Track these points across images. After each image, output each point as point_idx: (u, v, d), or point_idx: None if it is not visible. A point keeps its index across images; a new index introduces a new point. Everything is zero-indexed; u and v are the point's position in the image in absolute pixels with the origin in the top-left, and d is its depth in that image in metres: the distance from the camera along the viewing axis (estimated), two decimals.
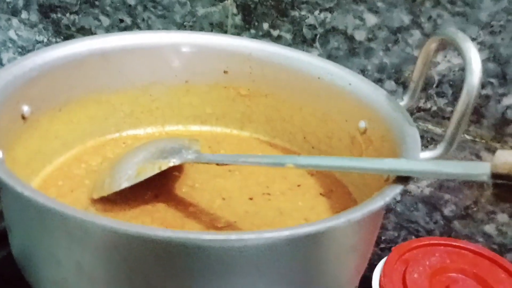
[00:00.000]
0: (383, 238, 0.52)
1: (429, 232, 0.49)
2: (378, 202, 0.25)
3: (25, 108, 0.34)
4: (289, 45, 0.44)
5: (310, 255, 0.25)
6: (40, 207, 0.23)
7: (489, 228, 0.47)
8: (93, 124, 0.39)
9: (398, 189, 0.26)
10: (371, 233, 0.28)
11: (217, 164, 0.34)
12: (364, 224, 0.27)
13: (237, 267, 0.24)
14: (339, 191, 0.38)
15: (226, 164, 0.34)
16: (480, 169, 0.25)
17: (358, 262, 0.29)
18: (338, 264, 0.27)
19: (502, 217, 0.46)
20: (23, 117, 0.34)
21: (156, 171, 0.34)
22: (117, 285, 0.24)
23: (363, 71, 0.44)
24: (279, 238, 0.23)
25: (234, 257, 0.23)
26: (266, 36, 0.45)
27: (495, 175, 0.24)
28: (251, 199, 0.37)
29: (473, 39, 0.41)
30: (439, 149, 0.30)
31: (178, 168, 0.38)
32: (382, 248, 0.52)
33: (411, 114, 0.45)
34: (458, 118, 0.29)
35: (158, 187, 0.36)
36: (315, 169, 0.38)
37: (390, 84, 0.45)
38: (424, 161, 0.29)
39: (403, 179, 0.27)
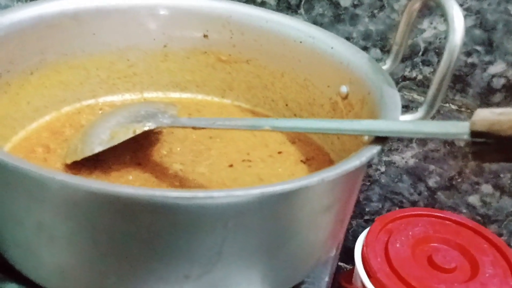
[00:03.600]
0: (367, 209, 0.51)
1: (414, 204, 0.49)
2: (353, 162, 0.24)
3: None
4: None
5: (283, 215, 0.24)
6: None
7: (473, 199, 0.47)
8: (67, 89, 0.38)
9: (375, 149, 0.26)
10: (347, 195, 0.28)
11: (194, 128, 0.33)
12: (339, 184, 0.26)
13: (205, 226, 0.23)
14: (320, 158, 0.37)
15: (203, 128, 0.33)
16: (459, 128, 0.24)
17: (334, 225, 0.28)
18: (312, 226, 0.26)
19: (486, 188, 0.46)
20: None
21: (130, 135, 0.33)
22: (80, 244, 0.24)
23: (348, 39, 0.43)
24: (250, 197, 0.23)
25: (202, 215, 0.23)
26: (250, 1, 0.44)
27: (474, 133, 0.23)
28: (231, 166, 0.36)
29: (459, 5, 0.39)
30: (420, 112, 0.29)
31: (157, 135, 0.37)
32: (366, 219, 0.52)
33: (396, 83, 0.44)
34: (439, 79, 0.28)
35: (138, 156, 0.35)
36: (292, 131, 0.38)
37: (376, 52, 0.44)
38: (402, 121, 0.28)
39: (380, 140, 0.26)
